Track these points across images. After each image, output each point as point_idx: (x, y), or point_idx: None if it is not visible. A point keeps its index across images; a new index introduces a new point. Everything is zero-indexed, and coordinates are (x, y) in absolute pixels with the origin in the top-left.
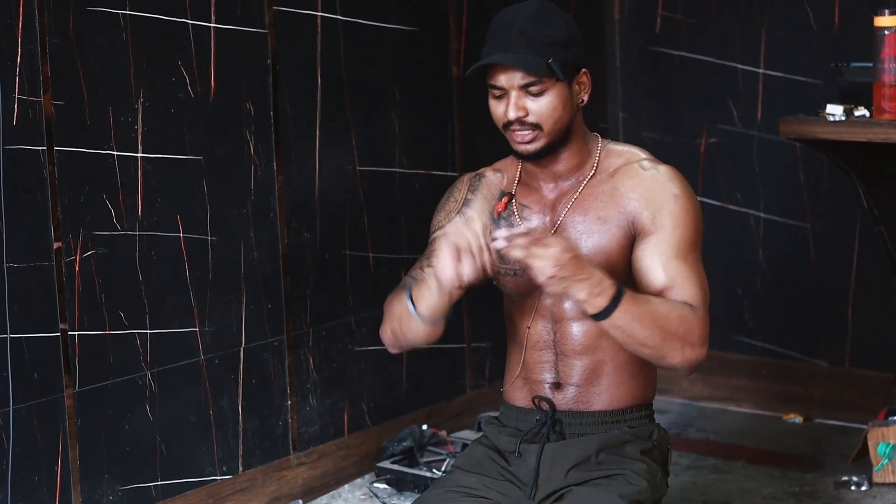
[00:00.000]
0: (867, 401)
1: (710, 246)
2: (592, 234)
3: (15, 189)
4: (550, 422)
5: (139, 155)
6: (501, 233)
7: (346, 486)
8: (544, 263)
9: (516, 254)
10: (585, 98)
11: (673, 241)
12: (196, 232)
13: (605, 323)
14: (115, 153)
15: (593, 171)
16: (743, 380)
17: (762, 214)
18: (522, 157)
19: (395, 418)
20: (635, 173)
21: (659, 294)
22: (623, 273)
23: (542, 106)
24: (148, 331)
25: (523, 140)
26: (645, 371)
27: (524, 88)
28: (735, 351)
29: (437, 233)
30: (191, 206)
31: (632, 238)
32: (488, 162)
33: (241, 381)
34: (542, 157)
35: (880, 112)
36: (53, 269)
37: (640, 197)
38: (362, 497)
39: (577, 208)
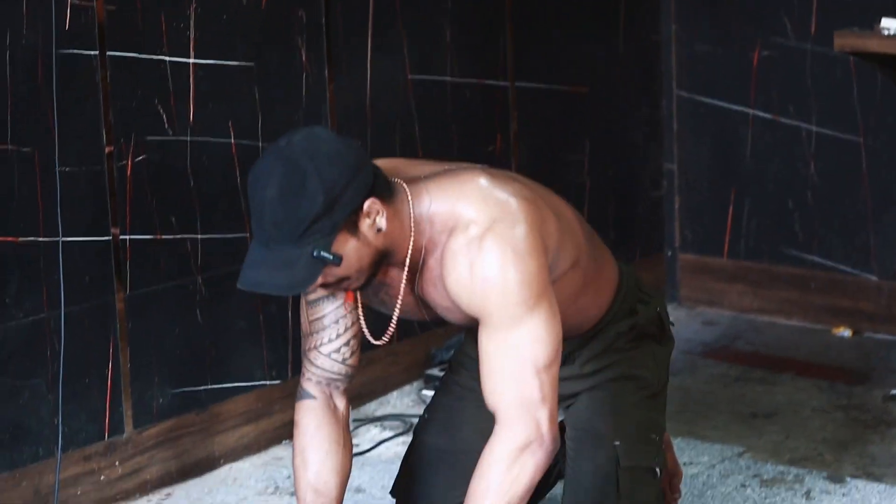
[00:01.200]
0: None
1: (762, 158)
2: (448, 311)
3: (67, 94)
4: None
5: (191, 61)
6: None
7: (395, 392)
8: None
9: None
10: (383, 223)
11: (491, 332)
12: (247, 138)
13: None
14: (167, 59)
15: (420, 260)
16: (792, 292)
17: (814, 128)
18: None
19: (444, 326)
20: (454, 254)
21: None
22: None
23: (335, 270)
24: (199, 236)
25: (338, 291)
26: (605, 283)
27: None
28: (785, 264)
29: (312, 297)
30: (242, 113)
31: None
32: (540, 72)
33: None
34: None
35: None
36: (105, 174)
37: (453, 287)
38: (410, 404)
39: (423, 293)
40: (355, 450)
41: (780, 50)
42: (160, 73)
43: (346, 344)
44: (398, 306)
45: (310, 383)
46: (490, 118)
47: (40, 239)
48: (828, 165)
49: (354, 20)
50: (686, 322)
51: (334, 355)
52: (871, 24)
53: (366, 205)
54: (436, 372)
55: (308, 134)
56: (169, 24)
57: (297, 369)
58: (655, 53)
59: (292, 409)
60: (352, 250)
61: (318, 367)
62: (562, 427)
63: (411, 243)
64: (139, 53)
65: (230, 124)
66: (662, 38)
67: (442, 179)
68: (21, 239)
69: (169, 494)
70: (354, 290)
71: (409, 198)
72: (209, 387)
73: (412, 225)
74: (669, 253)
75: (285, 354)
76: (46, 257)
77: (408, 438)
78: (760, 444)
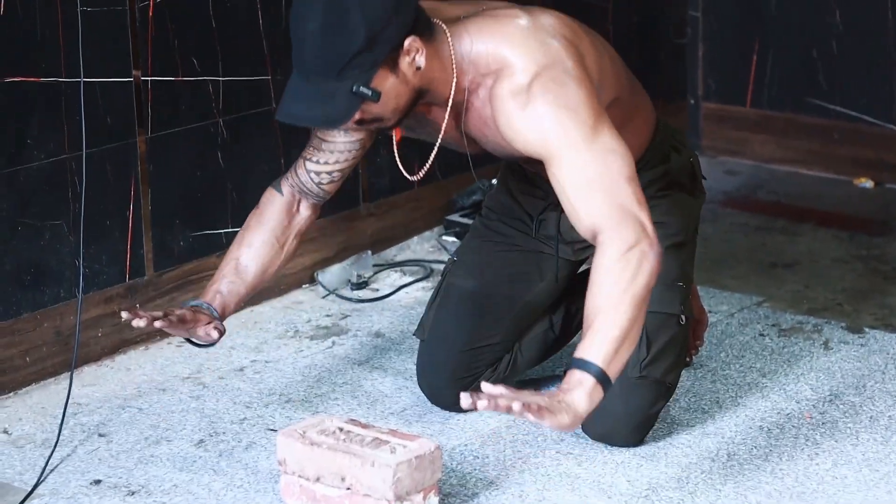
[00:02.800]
0: None
1: (787, 6)
2: (497, 149)
3: None
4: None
5: None
6: (489, 389)
7: (416, 238)
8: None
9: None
10: (423, 61)
11: (562, 164)
12: None
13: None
14: None
15: (465, 100)
16: (815, 143)
17: None
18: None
19: (465, 172)
20: (503, 100)
21: (590, 237)
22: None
23: (373, 109)
24: (220, 78)
25: (372, 129)
26: (639, 127)
27: None
28: (808, 113)
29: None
30: None
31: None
32: None
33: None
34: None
35: None
36: (127, 14)
37: (513, 131)
38: (430, 249)
39: (470, 131)
40: (375, 294)
41: None
42: None
43: (330, 174)
44: (440, 139)
45: (286, 182)
46: None
47: (62, 79)
48: (853, 15)
49: None
50: (708, 171)
51: (313, 175)
52: None
53: (406, 42)
54: (457, 218)
55: None
56: None
57: (319, 214)
58: None
59: (312, 253)
60: (390, 87)
61: (297, 175)
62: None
63: (454, 84)
64: None
65: None
66: None
67: (481, 20)
68: (43, 79)
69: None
70: (390, 129)
71: (450, 38)
72: (230, 230)
73: (454, 66)
74: (692, 101)
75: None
76: (68, 98)
77: (427, 284)
78: (780, 293)
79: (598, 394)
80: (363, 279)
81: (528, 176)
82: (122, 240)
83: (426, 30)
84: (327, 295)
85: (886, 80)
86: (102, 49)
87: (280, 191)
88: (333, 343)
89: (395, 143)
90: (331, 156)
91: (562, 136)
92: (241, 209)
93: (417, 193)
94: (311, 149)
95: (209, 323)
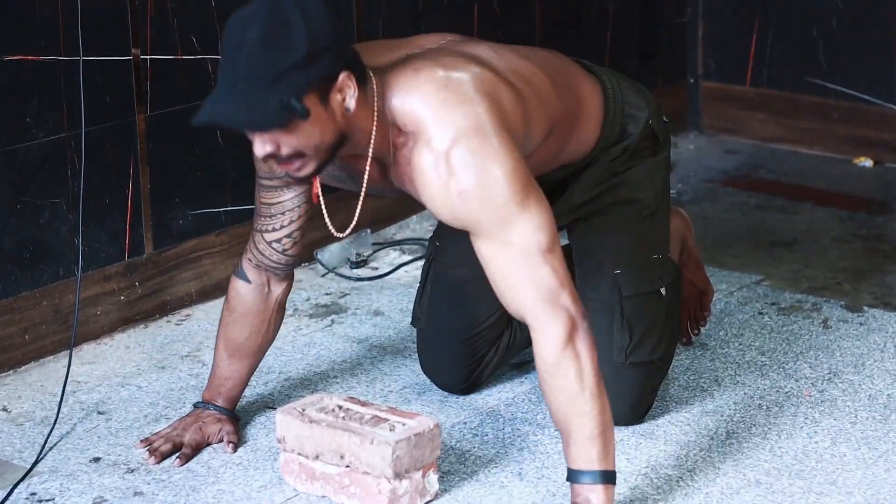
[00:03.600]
0: None
1: None
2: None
3: None
4: None
5: None
6: None
7: (414, 216)
8: None
9: None
10: (352, 104)
11: (486, 241)
12: None
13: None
14: None
15: (392, 158)
16: (814, 122)
17: None
18: (298, 181)
19: None
20: (423, 172)
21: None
22: None
23: (295, 139)
24: (219, 56)
25: (291, 170)
26: (588, 118)
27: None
28: (807, 93)
29: (275, 185)
30: None
31: None
32: None
33: None
34: (319, 174)
35: None
36: None
37: (432, 205)
38: (430, 227)
39: (400, 185)
40: (374, 273)
41: None
42: None
43: (289, 236)
44: (363, 189)
45: (249, 264)
46: None
47: (61, 58)
48: None
49: None
50: (707, 150)
51: (275, 244)
52: None
53: (340, 77)
54: None
55: None
56: None
57: None
58: None
59: (311, 232)
60: (317, 118)
61: (259, 251)
62: (567, 250)
63: (373, 136)
64: None
65: None
66: None
67: (404, 74)
68: (42, 58)
69: (188, 315)
70: (307, 177)
71: (375, 88)
72: (229, 208)
73: (375, 117)
74: (692, 80)
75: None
76: (67, 76)
77: None
78: (779, 272)
79: (611, 491)
80: (362, 257)
81: None
82: (121, 218)
83: (359, 72)
84: (326, 273)
85: (886, 60)
86: (101, 28)
87: (246, 279)
88: (333, 321)
89: (314, 195)
90: (283, 217)
91: (485, 218)
92: (239, 187)
93: None
94: (261, 219)
95: (219, 432)
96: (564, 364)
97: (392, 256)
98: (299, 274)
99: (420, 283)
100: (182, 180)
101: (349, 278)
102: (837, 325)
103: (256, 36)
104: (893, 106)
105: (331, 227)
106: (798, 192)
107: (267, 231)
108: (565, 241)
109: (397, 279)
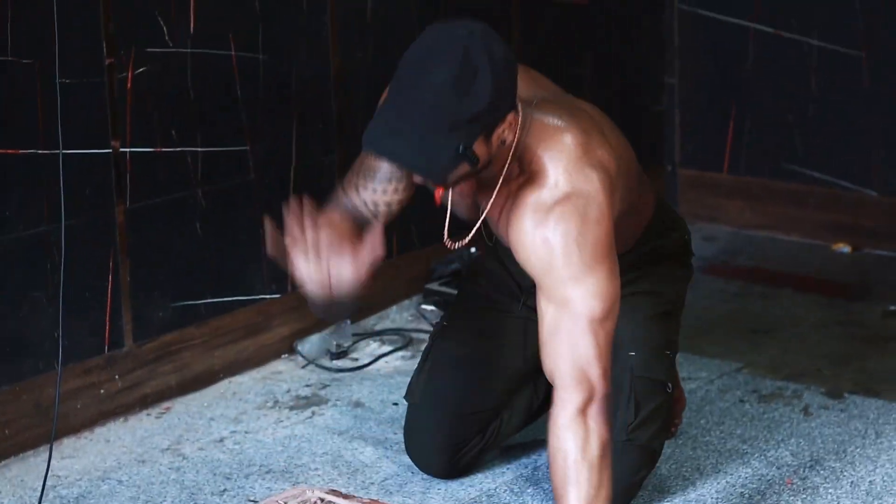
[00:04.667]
0: None
1: (763, 73)
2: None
3: (68, 5)
4: None
5: None
6: None
7: (395, 307)
8: None
9: None
10: (509, 137)
11: (546, 292)
12: (247, 50)
13: None
14: None
15: (499, 183)
16: (792, 208)
17: (816, 42)
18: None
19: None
20: (524, 209)
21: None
22: None
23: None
24: (199, 149)
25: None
26: (640, 215)
27: None
28: (785, 179)
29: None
30: (242, 24)
31: None
32: None
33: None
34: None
35: None
36: (105, 86)
37: (519, 242)
38: (410, 318)
39: (492, 211)
40: (354, 364)
41: None
42: None
43: (387, 203)
44: (484, 213)
45: (337, 199)
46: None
47: (41, 151)
48: (829, 80)
49: None
50: None
51: (368, 202)
52: None
53: (508, 118)
54: (436, 287)
55: (486, 31)
56: None
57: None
58: None
59: (292, 323)
60: (480, 154)
61: (349, 198)
62: None
63: (507, 165)
64: None
65: (230, 36)
66: None
67: (544, 118)
68: (22, 151)
69: (168, 408)
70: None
71: (520, 122)
72: (209, 300)
73: (513, 149)
74: (670, 167)
75: (285, 268)
76: (47, 170)
77: (406, 352)
78: (759, 359)
79: None
80: (342, 349)
81: None
82: (101, 311)
83: (517, 107)
84: (307, 365)
85: (862, 145)
86: (81, 121)
87: (333, 204)
88: (313, 413)
89: (437, 197)
90: (382, 185)
91: (553, 272)
92: (220, 279)
93: (396, 262)
94: (357, 175)
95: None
96: (572, 429)
97: (372, 347)
98: (279, 366)
99: (421, 358)
100: (162, 273)
101: (329, 369)
102: (818, 411)
103: (444, 80)
104: (870, 191)
105: (446, 233)
106: (777, 279)
107: (364, 188)
108: None
109: (377, 370)
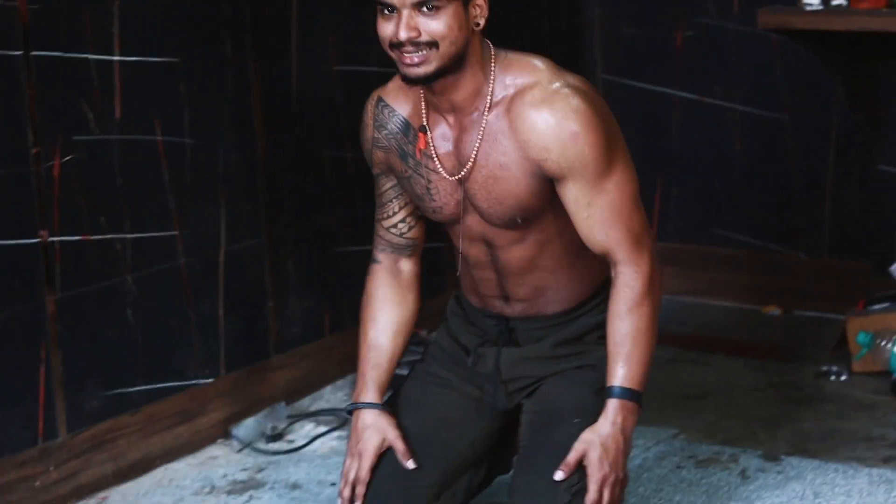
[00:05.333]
0: (845, 291)
1: (689, 140)
2: (497, 180)
3: None
4: (505, 329)
5: (116, 58)
6: None
7: (328, 387)
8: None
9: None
10: (482, 22)
11: (585, 185)
12: (174, 135)
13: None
14: (91, 56)
15: (489, 102)
16: (722, 273)
17: (739, 107)
18: (410, 81)
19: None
20: (529, 112)
21: (600, 253)
22: (539, 206)
23: (436, 25)
24: (128, 235)
25: (412, 62)
26: (591, 269)
27: (417, 7)
28: (713, 244)
29: (374, 172)
30: (168, 109)
31: (545, 179)
32: None
33: (221, 284)
34: (432, 81)
35: (857, 1)
36: (32, 175)
37: (539, 140)
38: (344, 398)
39: (482, 150)
40: (290, 446)
41: (704, 29)
42: (85, 72)
43: (404, 220)
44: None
45: (377, 250)
46: None
47: None
48: (754, 144)
49: (279, 11)
50: None
51: (393, 230)
52: (794, 1)
53: None
54: None
55: None
56: (93, 22)
57: (230, 366)
58: (579, 37)
59: (226, 407)
60: (454, 19)
61: (381, 237)
62: (520, 409)
63: (483, 78)
64: (64, 52)
65: (156, 122)
66: (586, 21)
67: (514, 53)
68: None
69: (105, 498)
70: (427, 75)
71: (492, 50)
72: (142, 387)
73: (484, 67)
74: None
75: (217, 352)
76: None
77: (342, 432)
78: (695, 424)
79: (627, 408)
80: (278, 431)
81: (476, 285)
82: (34, 402)
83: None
84: (242, 448)
85: (788, 208)
86: (8, 210)
87: (377, 260)
88: (251, 497)
89: (419, 147)
90: (392, 204)
91: (590, 163)
92: (152, 366)
93: (328, 342)
94: (378, 210)
95: (383, 443)
96: (649, 296)
97: (307, 428)
98: (215, 450)
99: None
100: (94, 361)
101: (265, 452)
102: (756, 474)
103: None
104: (798, 253)
105: (443, 171)
106: (709, 344)
107: (383, 219)
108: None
109: (314, 451)
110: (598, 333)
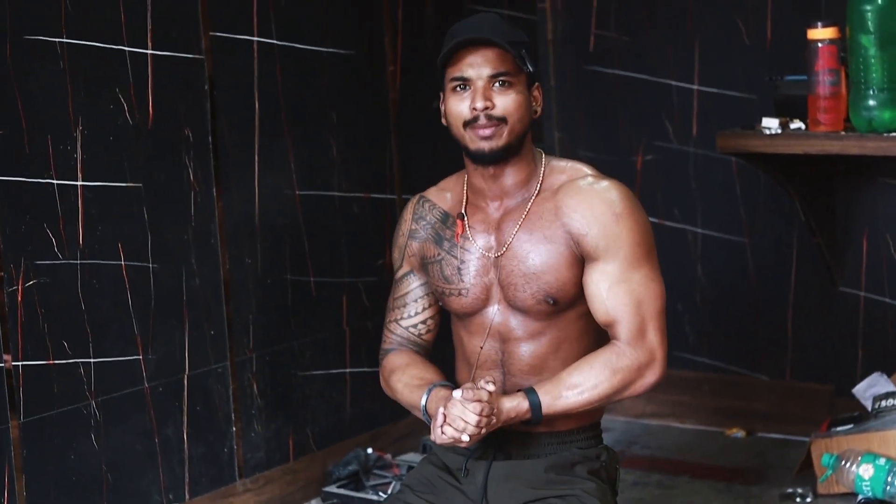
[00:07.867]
0: (809, 413)
1: None
2: (540, 253)
3: None
4: (497, 441)
5: (79, 183)
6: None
7: None
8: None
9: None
10: (539, 111)
11: (616, 266)
12: (137, 259)
13: (545, 418)
14: (54, 182)
15: (538, 189)
16: (685, 396)
17: (700, 230)
18: (482, 155)
19: (340, 442)
20: (577, 191)
21: (606, 326)
22: (572, 291)
23: (508, 101)
24: (91, 360)
25: (486, 135)
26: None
27: (492, 79)
28: (676, 367)
29: (400, 273)
30: (131, 234)
31: (579, 257)
32: (425, 185)
33: (185, 408)
34: (500, 159)
35: (816, 124)
36: None
37: (582, 217)
38: None
39: (524, 227)
40: None
41: (663, 153)
42: (48, 197)
43: (424, 322)
44: (478, 244)
45: (387, 345)
46: (379, 231)
47: None
48: (715, 267)
49: (241, 137)
50: None
51: (411, 329)
52: (752, 125)
53: (536, 84)
54: (333, 489)
55: None
56: (55, 147)
57: (195, 491)
58: None
59: None
60: (523, 97)
61: (397, 335)
62: None
63: (533, 167)
64: (26, 177)
65: (119, 246)
66: (546, 146)
67: (556, 159)
68: None
69: None
70: (498, 150)
71: (542, 153)
72: None
73: (534, 158)
74: None
75: (182, 476)
76: None
77: None
78: None
79: (523, 409)
80: None
81: None
82: None
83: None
84: None
85: (750, 331)
86: None
87: (390, 351)
88: None
89: (457, 233)
90: (413, 305)
91: (626, 237)
92: (116, 490)
93: (293, 466)
94: (393, 312)
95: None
96: (627, 374)
97: None
98: None
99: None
100: (58, 486)
101: None
102: None
103: (495, 19)
104: (761, 376)
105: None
106: (674, 467)
107: (403, 319)
108: None
109: None
110: (588, 466)
